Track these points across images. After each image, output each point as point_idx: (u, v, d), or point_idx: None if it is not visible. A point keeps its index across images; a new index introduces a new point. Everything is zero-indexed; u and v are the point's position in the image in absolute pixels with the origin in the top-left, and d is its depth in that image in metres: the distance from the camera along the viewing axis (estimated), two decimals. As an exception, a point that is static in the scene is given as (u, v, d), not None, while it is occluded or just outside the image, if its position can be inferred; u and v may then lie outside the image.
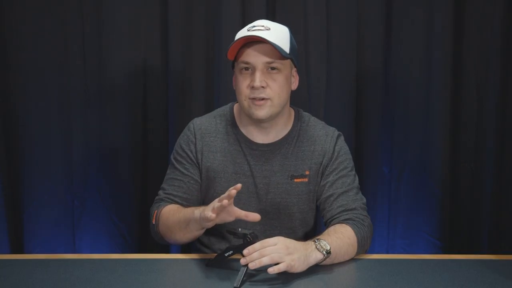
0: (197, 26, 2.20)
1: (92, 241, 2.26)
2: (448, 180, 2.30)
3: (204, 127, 1.70)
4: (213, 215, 1.38)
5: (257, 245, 1.36)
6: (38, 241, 2.22)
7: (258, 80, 1.55)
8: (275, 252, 1.35)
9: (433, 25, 2.23)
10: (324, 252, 1.43)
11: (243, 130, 1.68)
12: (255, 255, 1.34)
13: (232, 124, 1.70)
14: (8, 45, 2.14)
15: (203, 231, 1.55)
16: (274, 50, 1.55)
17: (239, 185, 1.39)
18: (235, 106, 1.72)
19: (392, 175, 2.33)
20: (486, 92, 2.26)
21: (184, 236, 1.56)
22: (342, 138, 1.73)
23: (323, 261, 1.44)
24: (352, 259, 1.55)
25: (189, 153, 1.68)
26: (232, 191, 1.37)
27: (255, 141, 1.67)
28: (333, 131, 1.72)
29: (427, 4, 2.23)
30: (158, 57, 2.22)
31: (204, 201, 1.69)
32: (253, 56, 1.56)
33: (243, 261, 1.35)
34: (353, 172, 1.70)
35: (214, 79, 2.22)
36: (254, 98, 1.57)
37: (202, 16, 2.20)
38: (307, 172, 1.67)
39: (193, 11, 2.19)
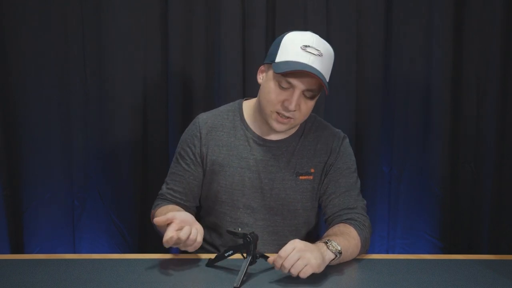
0: (197, 26, 2.20)
1: (92, 241, 2.26)
2: (448, 180, 2.30)
3: (211, 121, 1.71)
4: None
5: (294, 256, 1.33)
6: (38, 241, 2.22)
7: (294, 104, 1.55)
8: (301, 265, 1.33)
9: (433, 25, 2.23)
10: (337, 253, 1.43)
11: (252, 126, 1.70)
12: (292, 268, 1.33)
13: (241, 119, 1.71)
14: (8, 45, 2.13)
15: None
16: (319, 80, 1.54)
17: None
18: (245, 103, 1.74)
19: (392, 175, 2.33)
20: (486, 92, 2.26)
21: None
22: (347, 140, 1.75)
23: (332, 261, 1.43)
24: (353, 259, 1.55)
25: (192, 148, 1.69)
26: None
27: (263, 137, 1.68)
28: (339, 133, 1.75)
29: (427, 4, 2.23)
30: (158, 57, 2.22)
31: (207, 194, 1.72)
32: (297, 81, 1.54)
33: (271, 259, 1.36)
34: (356, 174, 1.72)
35: (214, 79, 2.22)
36: (279, 113, 1.58)
37: (202, 16, 2.20)
38: (312, 170, 1.69)
39: (193, 11, 2.19)
